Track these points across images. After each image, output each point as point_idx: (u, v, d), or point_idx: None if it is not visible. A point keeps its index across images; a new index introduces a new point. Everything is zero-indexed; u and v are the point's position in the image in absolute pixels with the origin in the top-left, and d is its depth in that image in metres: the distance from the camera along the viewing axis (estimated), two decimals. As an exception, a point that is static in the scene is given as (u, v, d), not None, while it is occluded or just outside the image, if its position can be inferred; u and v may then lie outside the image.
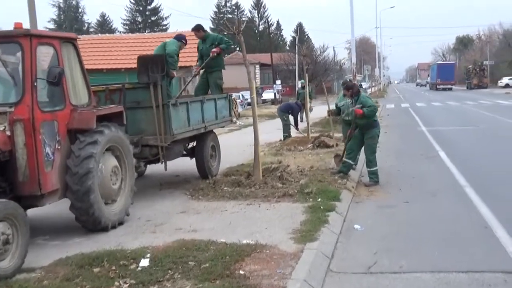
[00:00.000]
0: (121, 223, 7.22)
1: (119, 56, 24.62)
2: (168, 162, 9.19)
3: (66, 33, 7.49)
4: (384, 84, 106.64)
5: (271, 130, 20.82)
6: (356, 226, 6.93)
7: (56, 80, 6.09)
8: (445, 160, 12.19)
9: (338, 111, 10.84)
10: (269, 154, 13.19)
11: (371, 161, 9.62)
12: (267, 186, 8.94)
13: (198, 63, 11.12)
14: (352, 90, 9.93)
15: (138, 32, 53.04)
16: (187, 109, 9.23)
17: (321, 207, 7.42)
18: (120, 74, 21.09)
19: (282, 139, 16.59)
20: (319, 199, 7.92)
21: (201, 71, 10.76)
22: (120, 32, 75.14)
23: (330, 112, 11.55)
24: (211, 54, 10.45)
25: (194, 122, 9.49)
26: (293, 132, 17.43)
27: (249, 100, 17.54)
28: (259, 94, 54.69)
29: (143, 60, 8.60)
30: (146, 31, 74.47)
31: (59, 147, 6.36)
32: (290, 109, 17.21)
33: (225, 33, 10.27)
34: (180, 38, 9.98)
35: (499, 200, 8.10)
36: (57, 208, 7.71)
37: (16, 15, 40.95)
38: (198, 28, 10.65)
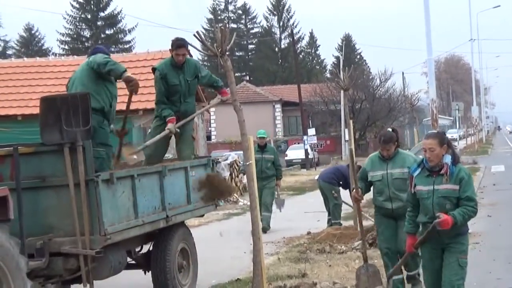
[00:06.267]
0: None
1: (46, 93, 24.53)
2: (108, 281, 9.04)
3: None
4: (488, 132, 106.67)
5: (297, 214, 20.37)
6: None
7: None
8: None
9: (367, 186, 9.89)
10: (287, 260, 12.92)
11: None
12: (276, 324, 8.38)
13: (162, 110, 10.75)
14: (447, 145, 8.20)
15: (85, 54, 53.43)
16: (132, 188, 8.98)
17: None
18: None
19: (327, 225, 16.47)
20: None
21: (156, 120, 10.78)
22: (56, 55, 76.24)
23: (357, 196, 9.83)
24: (219, 97, 11.03)
25: (147, 211, 9.29)
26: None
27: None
28: (280, 152, 54.70)
29: (50, 103, 8.50)
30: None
31: None
32: (342, 178, 16.72)
33: (204, 54, 10.14)
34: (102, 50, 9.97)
35: None
36: None
37: None
38: (186, 45, 10.70)
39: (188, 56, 11.02)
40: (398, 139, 9.61)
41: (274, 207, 17.68)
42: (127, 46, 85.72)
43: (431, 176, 7.72)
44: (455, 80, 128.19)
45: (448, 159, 7.69)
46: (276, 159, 17.63)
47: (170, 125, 10.33)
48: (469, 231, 8.19)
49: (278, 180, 17.64)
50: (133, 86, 9.46)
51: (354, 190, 9.71)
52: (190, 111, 10.82)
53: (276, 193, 17.66)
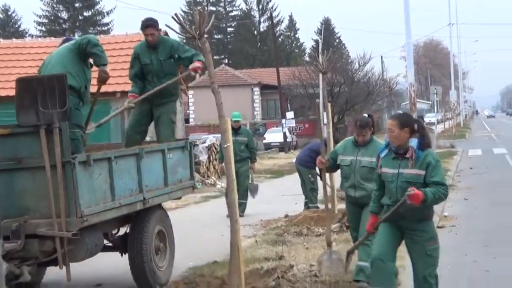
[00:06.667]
0: None
1: (22, 75, 24.39)
2: (84, 263, 8.97)
3: None
4: (465, 116, 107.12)
5: (275, 197, 20.42)
6: None
7: None
8: None
9: (333, 165, 9.59)
10: (264, 242, 12.97)
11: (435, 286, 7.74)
12: (252, 306, 8.40)
13: (133, 88, 10.97)
14: (411, 128, 7.81)
15: (63, 36, 53.09)
16: (109, 170, 8.92)
17: None
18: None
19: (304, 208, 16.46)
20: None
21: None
22: (33, 36, 75.60)
23: (322, 160, 9.53)
24: (189, 72, 10.66)
25: (124, 193, 9.21)
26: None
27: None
28: (259, 135, 54.66)
29: (26, 85, 8.41)
30: (76, 35, 74.98)
31: None
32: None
33: (182, 36, 10.59)
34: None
35: None
36: None
37: None
38: (154, 25, 10.58)
39: (165, 37, 11.01)
40: (373, 125, 9.44)
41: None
42: (105, 28, 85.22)
43: (397, 159, 7.50)
44: (433, 64, 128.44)
45: (414, 142, 7.44)
46: (251, 142, 17.46)
47: (126, 101, 10.57)
48: (433, 215, 7.89)
49: (252, 163, 17.50)
50: (104, 78, 9.59)
51: (320, 156, 9.50)
52: (166, 92, 10.71)
53: (250, 176, 17.60)
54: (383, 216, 7.71)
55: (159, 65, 10.64)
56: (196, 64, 10.43)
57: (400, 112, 8.42)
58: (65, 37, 10.73)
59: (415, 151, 7.38)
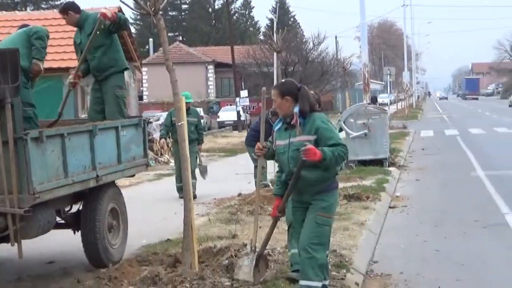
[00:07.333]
0: None
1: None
2: (36, 240, 8.90)
3: None
4: (418, 97, 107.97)
5: (228, 176, 20.45)
6: None
7: None
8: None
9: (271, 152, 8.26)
10: (218, 221, 12.90)
11: (311, 264, 7.19)
12: (205, 284, 8.33)
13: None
14: (293, 96, 7.46)
15: (16, 11, 52.31)
16: (62, 147, 8.80)
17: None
18: None
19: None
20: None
21: (87, 80, 10.56)
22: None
23: (260, 146, 7.96)
24: (99, 20, 10.13)
25: (77, 170, 9.11)
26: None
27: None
28: (213, 113, 54.59)
29: None
30: (28, 9, 73.92)
31: None
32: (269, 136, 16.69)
33: (137, 12, 10.00)
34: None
35: None
36: None
37: None
38: (65, 9, 10.54)
39: (88, 12, 10.77)
40: (320, 104, 9.23)
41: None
42: (58, 2, 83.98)
43: (288, 130, 7.28)
44: (387, 45, 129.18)
45: (297, 109, 7.24)
46: (199, 123, 17.21)
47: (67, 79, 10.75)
48: (336, 188, 7.48)
49: (199, 145, 17.22)
50: (35, 71, 9.62)
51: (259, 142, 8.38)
52: (103, 65, 10.51)
53: (198, 157, 17.38)
54: (285, 194, 7.42)
55: (87, 41, 10.40)
56: (102, 11, 10.24)
57: (283, 80, 7.92)
58: (22, 24, 10.54)
59: (298, 117, 7.18)
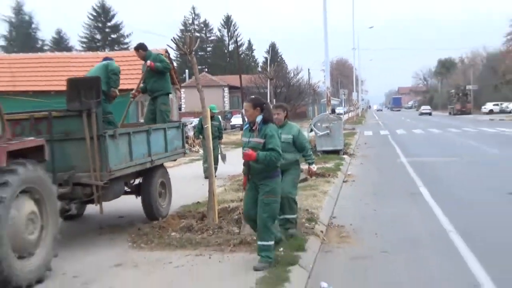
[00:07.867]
0: (40, 281, 6.43)
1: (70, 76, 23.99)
2: (111, 202, 8.85)
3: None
4: (362, 109, 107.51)
5: (238, 161, 20.27)
6: (323, 285, 6.22)
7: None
8: (428, 199, 11.81)
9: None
10: (231, 190, 12.71)
11: (265, 231, 6.77)
12: (222, 231, 8.36)
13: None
14: (260, 108, 6.89)
15: (98, 51, 52.31)
16: (129, 141, 8.77)
17: (282, 261, 6.73)
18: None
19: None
20: (281, 249, 7.24)
21: (145, 97, 10.33)
22: (77, 51, 74.19)
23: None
24: (146, 66, 10.34)
25: (138, 156, 9.07)
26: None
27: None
28: (227, 119, 54.35)
29: (74, 83, 8.15)
30: (106, 50, 73.74)
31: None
32: None
33: (177, 53, 9.96)
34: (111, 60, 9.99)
35: (489, 249, 7.61)
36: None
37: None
38: (137, 48, 10.55)
39: (152, 52, 10.63)
40: (287, 112, 8.32)
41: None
42: (125, 46, 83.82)
43: (251, 131, 6.87)
44: (342, 75, 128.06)
45: (259, 118, 6.77)
46: (220, 126, 17.02)
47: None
48: (278, 176, 6.89)
49: (220, 139, 16.87)
50: (113, 96, 9.72)
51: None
52: (155, 88, 10.45)
53: (220, 148, 17.04)
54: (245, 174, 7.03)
55: (147, 71, 10.43)
56: (149, 62, 10.27)
57: (253, 96, 7.26)
58: (106, 56, 10.54)
59: (259, 124, 6.75)
